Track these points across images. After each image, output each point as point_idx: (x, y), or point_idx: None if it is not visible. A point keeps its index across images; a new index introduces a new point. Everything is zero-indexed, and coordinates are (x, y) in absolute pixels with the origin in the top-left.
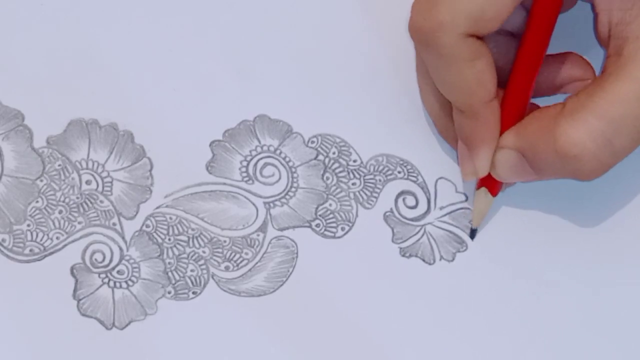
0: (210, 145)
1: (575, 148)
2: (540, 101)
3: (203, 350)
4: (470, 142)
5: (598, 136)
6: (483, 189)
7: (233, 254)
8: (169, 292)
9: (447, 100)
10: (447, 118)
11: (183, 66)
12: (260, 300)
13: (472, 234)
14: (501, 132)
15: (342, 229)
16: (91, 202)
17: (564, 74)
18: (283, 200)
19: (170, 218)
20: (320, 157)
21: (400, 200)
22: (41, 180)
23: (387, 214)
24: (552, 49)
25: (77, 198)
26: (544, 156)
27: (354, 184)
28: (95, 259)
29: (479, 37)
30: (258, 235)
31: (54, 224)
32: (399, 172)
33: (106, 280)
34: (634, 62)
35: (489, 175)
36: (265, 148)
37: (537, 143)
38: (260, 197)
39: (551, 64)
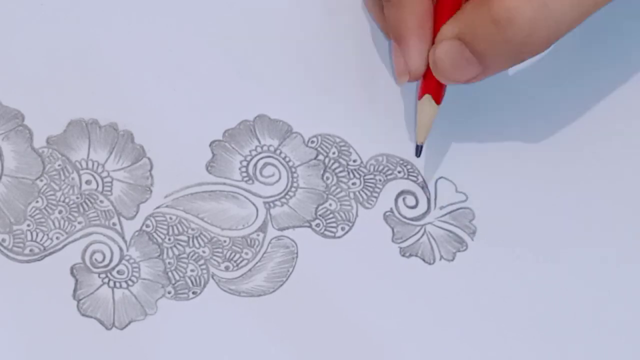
0: (210, 145)
1: (509, 11)
2: None
3: (203, 350)
4: (399, 35)
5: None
6: (426, 97)
7: (233, 254)
8: (169, 292)
9: None
10: (382, 14)
11: (183, 66)
12: (260, 300)
13: (418, 151)
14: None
15: (342, 228)
16: (91, 202)
17: None
18: (283, 200)
19: (170, 218)
20: (320, 157)
21: (400, 200)
22: (41, 180)
23: (387, 213)
24: None
25: (77, 198)
26: (482, 31)
27: (354, 183)
28: (95, 259)
29: None
30: (258, 235)
31: (54, 224)
32: (399, 172)
33: (106, 280)
34: None
35: (431, 80)
36: (265, 148)
37: (473, 20)
38: (260, 197)
39: None
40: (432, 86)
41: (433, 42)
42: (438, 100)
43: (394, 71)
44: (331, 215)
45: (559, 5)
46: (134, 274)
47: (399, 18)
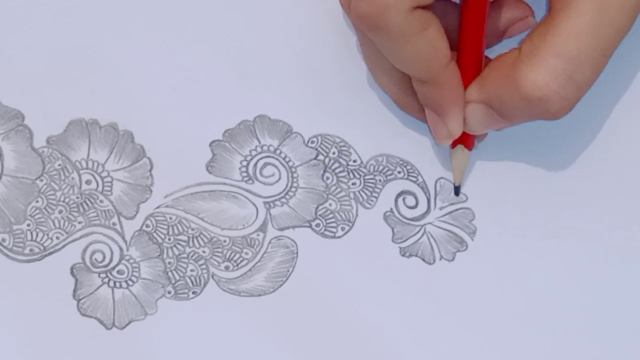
0: (210, 145)
1: (540, 90)
2: (489, 52)
3: (203, 350)
4: (439, 108)
5: (559, 75)
6: (459, 146)
7: (233, 254)
8: (169, 292)
9: (401, 76)
10: (406, 94)
11: (183, 66)
12: (260, 300)
13: (457, 190)
14: (464, 88)
15: (342, 228)
16: (91, 202)
17: (503, 19)
18: (283, 200)
19: (170, 218)
20: (320, 157)
21: (400, 200)
22: (41, 180)
23: (387, 213)
24: None
25: (77, 198)
26: (511, 103)
27: (354, 184)
28: (95, 259)
29: (424, 7)
30: (258, 235)
31: (54, 223)
32: (399, 172)
33: (106, 280)
34: None
35: (462, 132)
36: (265, 148)
37: (501, 92)
38: (260, 197)
39: (489, 13)
40: (463, 136)
41: None
42: (470, 147)
43: (435, 136)
44: (331, 215)
45: (582, 76)
46: (134, 273)
47: (438, 95)
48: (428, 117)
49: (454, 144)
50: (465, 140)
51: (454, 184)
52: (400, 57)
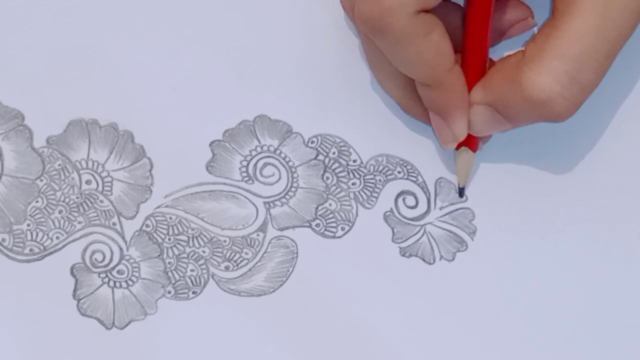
0: (210, 145)
1: (543, 93)
2: (490, 53)
3: (203, 350)
4: (444, 111)
5: (563, 77)
6: (463, 148)
7: (233, 254)
8: (169, 292)
9: (405, 80)
10: (410, 97)
11: (183, 66)
12: (260, 300)
13: (461, 192)
14: (468, 91)
15: (342, 228)
16: (91, 202)
17: (503, 20)
18: (283, 200)
19: (170, 218)
20: (320, 157)
21: (400, 200)
22: (41, 180)
23: (387, 213)
24: None
25: (77, 198)
26: (514, 105)
27: (354, 184)
28: (95, 259)
29: (428, 11)
30: (258, 235)
31: (54, 223)
32: (399, 172)
33: (106, 280)
34: None
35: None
36: (265, 148)
37: (505, 94)
38: (260, 197)
39: None
40: (467, 138)
41: None
42: (474, 149)
43: (440, 140)
44: (331, 215)
45: (586, 77)
46: (134, 273)
47: (442, 99)
48: (433, 120)
49: (458, 146)
50: (470, 142)
51: (457, 185)
52: (404, 61)
